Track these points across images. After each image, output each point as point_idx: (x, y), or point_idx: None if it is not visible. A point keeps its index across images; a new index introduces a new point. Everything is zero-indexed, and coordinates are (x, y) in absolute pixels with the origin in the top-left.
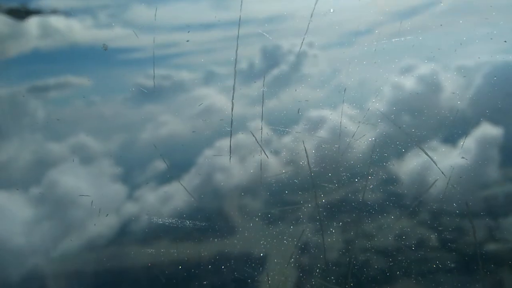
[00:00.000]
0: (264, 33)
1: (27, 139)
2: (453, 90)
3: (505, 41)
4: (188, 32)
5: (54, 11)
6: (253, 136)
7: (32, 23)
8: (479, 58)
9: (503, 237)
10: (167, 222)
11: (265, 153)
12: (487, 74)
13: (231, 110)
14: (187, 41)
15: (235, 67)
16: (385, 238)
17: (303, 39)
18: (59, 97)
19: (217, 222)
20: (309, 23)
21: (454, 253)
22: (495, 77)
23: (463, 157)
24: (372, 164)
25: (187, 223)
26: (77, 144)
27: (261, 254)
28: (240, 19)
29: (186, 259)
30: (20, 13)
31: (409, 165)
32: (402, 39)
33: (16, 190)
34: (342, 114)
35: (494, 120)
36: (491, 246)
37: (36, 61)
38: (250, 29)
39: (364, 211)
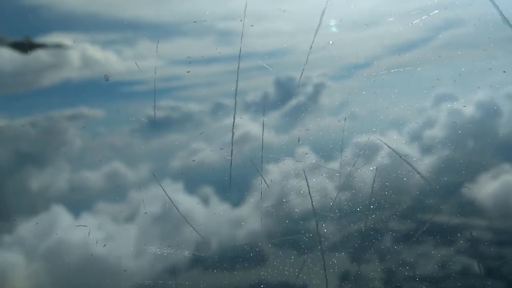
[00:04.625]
0: (265, 65)
1: (30, 169)
2: (454, 120)
3: (504, 71)
4: (190, 63)
5: (59, 46)
6: (253, 165)
7: (36, 57)
8: (478, 88)
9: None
10: (165, 252)
11: (265, 182)
12: (487, 104)
13: (231, 140)
14: (188, 72)
15: (235, 97)
16: (388, 268)
17: (303, 70)
18: (63, 128)
19: (216, 252)
20: (308, 55)
21: (459, 284)
22: (495, 107)
23: (466, 186)
24: (374, 193)
25: (185, 253)
26: (76, 175)
27: (262, 286)
28: (240, 50)
29: None
30: (24, 47)
31: (411, 194)
32: (401, 69)
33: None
34: (343, 143)
35: (497, 148)
36: (496, 276)
37: (40, 94)
38: (251, 63)
39: (366, 241)
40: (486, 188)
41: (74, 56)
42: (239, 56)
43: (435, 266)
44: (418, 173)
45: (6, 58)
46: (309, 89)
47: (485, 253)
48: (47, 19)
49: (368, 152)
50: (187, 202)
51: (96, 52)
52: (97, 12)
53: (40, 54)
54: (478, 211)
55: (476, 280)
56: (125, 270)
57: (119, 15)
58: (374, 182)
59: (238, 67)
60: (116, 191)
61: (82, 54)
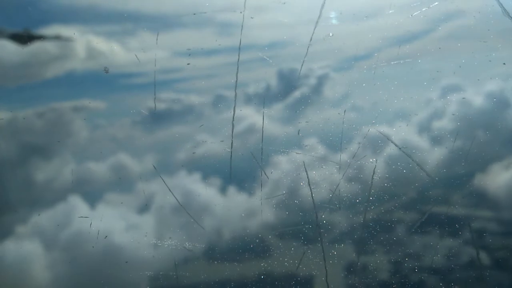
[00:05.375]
0: (265, 57)
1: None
2: (453, 111)
3: (504, 63)
4: (189, 55)
5: (59, 38)
6: (253, 157)
7: (36, 49)
8: (478, 80)
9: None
10: (166, 244)
11: (265, 174)
12: (486, 96)
13: (231, 132)
14: (188, 64)
15: (235, 89)
16: (388, 259)
17: (303, 62)
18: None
19: (216, 243)
20: (308, 47)
21: (457, 275)
22: (495, 98)
23: (465, 177)
24: (373, 185)
25: (186, 245)
26: (76, 166)
27: (262, 277)
28: (240, 42)
29: (185, 281)
30: (24, 39)
31: (411, 185)
32: (402, 61)
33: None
34: (342, 135)
35: (497, 139)
36: (494, 268)
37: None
38: (251, 55)
39: (366, 232)
40: (486, 179)
41: (74, 48)
42: (239, 48)
43: (435, 257)
44: (418, 164)
45: (6, 50)
46: (309, 81)
47: (486, 244)
48: (47, 11)
49: (368, 144)
50: (187, 193)
51: (96, 44)
52: (97, 4)
53: (40, 46)
54: (477, 202)
55: (476, 271)
56: (126, 262)
57: (119, 7)
58: (373, 173)
59: (238, 59)
60: (116, 182)
61: (82, 46)
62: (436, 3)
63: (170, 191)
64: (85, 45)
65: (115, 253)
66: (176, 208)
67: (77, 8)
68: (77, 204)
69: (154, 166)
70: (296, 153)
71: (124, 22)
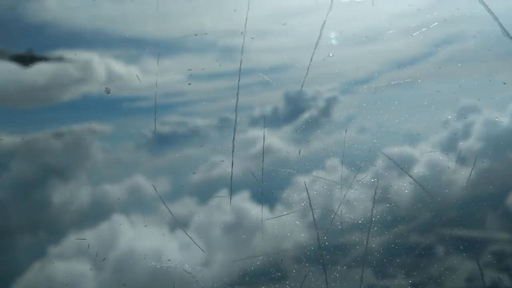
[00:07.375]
0: (266, 78)
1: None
2: (455, 131)
3: (504, 83)
4: (190, 75)
5: (60, 59)
6: (254, 177)
7: (39, 72)
8: (479, 100)
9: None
10: (164, 266)
11: (266, 194)
12: (488, 115)
13: (231, 152)
14: (189, 84)
15: (236, 109)
16: (391, 281)
17: (303, 82)
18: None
19: (216, 266)
20: (308, 68)
21: None
22: (496, 118)
23: (467, 198)
24: (375, 205)
25: (185, 267)
26: (74, 188)
27: None
28: (241, 63)
29: None
30: (26, 61)
31: (413, 206)
32: (402, 81)
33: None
34: (344, 155)
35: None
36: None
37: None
38: (253, 77)
39: (368, 254)
40: (490, 199)
41: (77, 71)
42: (240, 69)
43: (439, 280)
44: (420, 185)
45: (8, 72)
46: (310, 101)
47: (487, 264)
48: (51, 34)
49: (369, 164)
50: (187, 214)
51: (99, 67)
52: (100, 27)
53: (42, 69)
54: (480, 222)
55: None
56: (124, 285)
57: (122, 31)
58: (375, 194)
59: (239, 80)
60: (116, 204)
61: (85, 70)
62: (436, 23)
63: (170, 211)
64: (88, 69)
65: (113, 275)
66: (175, 229)
67: (80, 32)
68: (75, 225)
69: (154, 187)
70: (297, 173)
71: (127, 45)
